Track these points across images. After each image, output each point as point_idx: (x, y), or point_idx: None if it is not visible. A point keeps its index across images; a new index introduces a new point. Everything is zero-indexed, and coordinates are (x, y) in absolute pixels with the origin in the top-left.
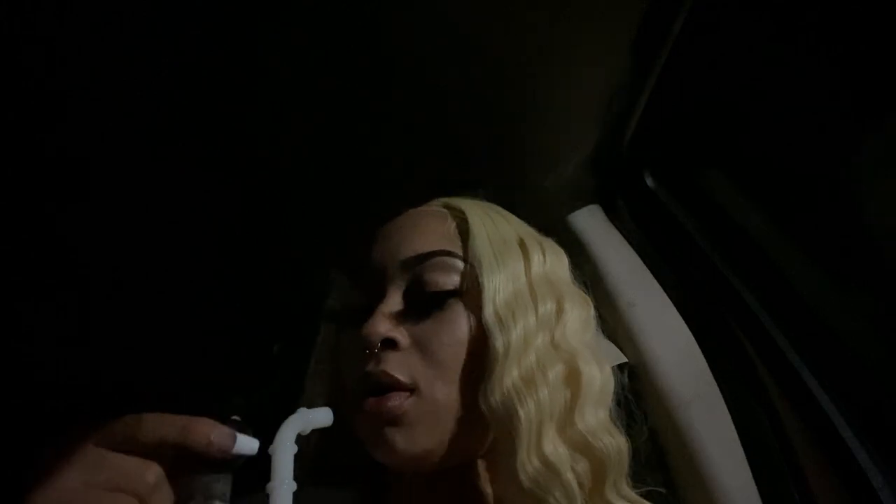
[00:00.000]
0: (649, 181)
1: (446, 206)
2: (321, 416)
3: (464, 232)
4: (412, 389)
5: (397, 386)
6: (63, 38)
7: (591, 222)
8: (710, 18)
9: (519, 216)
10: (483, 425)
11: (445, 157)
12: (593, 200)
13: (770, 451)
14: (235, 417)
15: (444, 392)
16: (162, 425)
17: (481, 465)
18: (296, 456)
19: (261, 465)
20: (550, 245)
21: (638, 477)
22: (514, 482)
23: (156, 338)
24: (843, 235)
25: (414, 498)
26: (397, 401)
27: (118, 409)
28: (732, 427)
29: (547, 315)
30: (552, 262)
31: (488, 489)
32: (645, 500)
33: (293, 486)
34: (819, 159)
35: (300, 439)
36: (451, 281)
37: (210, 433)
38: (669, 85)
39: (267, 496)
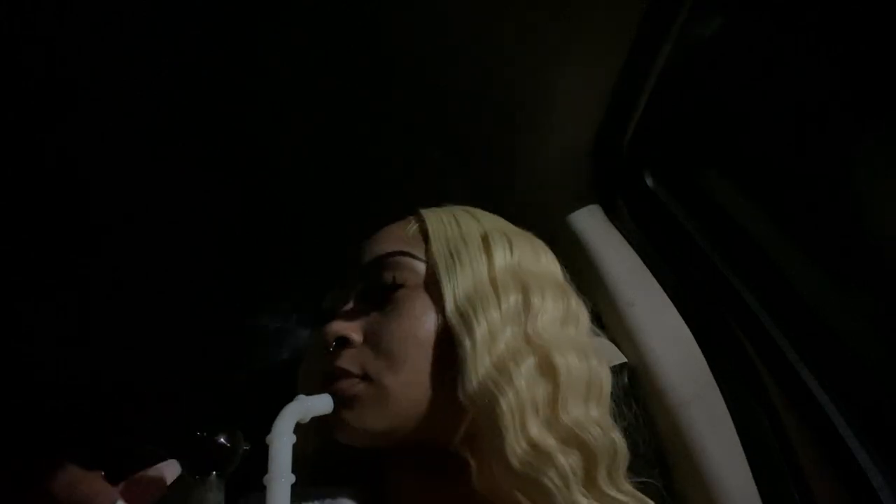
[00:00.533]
0: (649, 181)
1: (413, 214)
2: (321, 404)
3: (424, 234)
4: (363, 378)
5: (348, 376)
6: (63, 37)
7: (591, 222)
8: (710, 18)
9: (518, 216)
10: (449, 413)
11: (445, 157)
12: (593, 200)
13: (770, 451)
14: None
15: (394, 379)
16: (52, 481)
17: (471, 459)
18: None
19: (261, 457)
20: (524, 239)
21: (638, 476)
22: (506, 468)
23: (156, 338)
24: (843, 235)
25: (408, 497)
26: (347, 384)
27: (118, 409)
28: (732, 427)
29: (512, 308)
30: (521, 255)
31: (481, 484)
32: (640, 494)
33: (291, 478)
34: (819, 159)
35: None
36: (401, 277)
37: (90, 496)
38: (669, 85)
39: (264, 489)
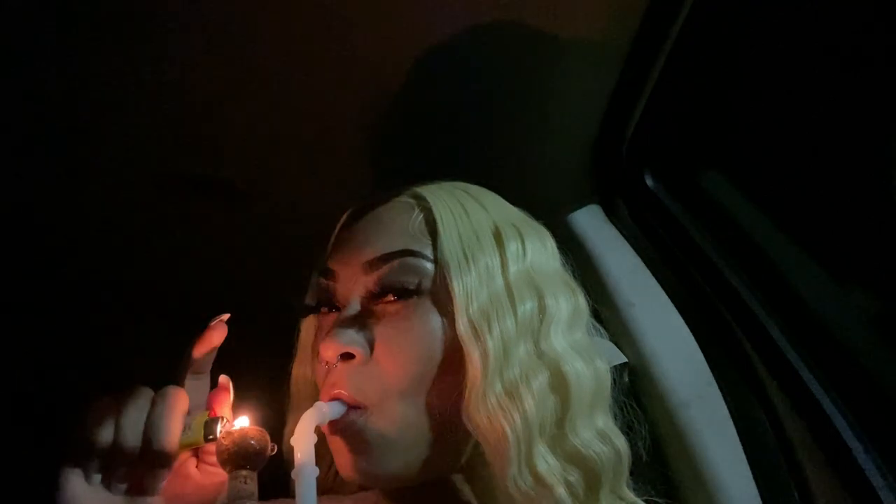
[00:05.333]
0: (649, 181)
1: (414, 197)
2: (335, 410)
3: (432, 227)
4: (372, 407)
5: (352, 404)
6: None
7: (591, 222)
8: (710, 18)
9: None
10: (458, 437)
11: (445, 156)
12: (593, 200)
13: (770, 451)
14: None
15: (402, 411)
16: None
17: (467, 477)
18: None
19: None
20: (531, 229)
21: (638, 478)
22: (506, 496)
23: (156, 338)
24: (843, 235)
25: None
26: (350, 418)
27: None
28: (732, 427)
29: (527, 316)
30: (533, 252)
31: (475, 501)
32: (641, 501)
33: (316, 470)
34: (819, 159)
35: None
36: (415, 283)
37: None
38: (669, 85)
39: (293, 481)
